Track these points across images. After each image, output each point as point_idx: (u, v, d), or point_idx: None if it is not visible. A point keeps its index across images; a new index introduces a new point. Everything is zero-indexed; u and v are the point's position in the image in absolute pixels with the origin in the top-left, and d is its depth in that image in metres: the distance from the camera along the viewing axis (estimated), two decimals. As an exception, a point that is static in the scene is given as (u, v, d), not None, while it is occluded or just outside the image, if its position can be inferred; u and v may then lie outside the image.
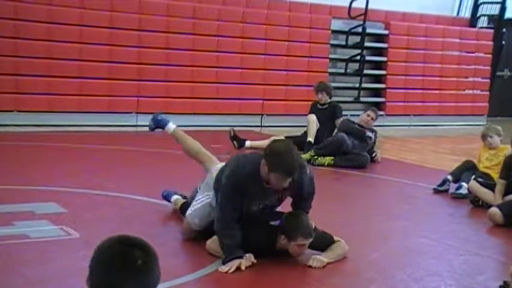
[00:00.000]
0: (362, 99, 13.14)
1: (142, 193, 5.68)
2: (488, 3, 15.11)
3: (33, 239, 4.39)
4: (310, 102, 9.21)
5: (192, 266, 4.11)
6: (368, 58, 13.27)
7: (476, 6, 15.17)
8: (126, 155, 8.09)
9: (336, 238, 4.36)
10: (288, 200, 4.39)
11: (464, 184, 6.45)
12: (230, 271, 3.95)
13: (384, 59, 13.61)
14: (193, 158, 5.01)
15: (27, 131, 9.51)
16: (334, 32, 12.99)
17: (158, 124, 5.21)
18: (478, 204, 6.10)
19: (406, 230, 5.32)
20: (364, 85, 13.16)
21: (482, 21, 15.28)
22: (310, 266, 4.10)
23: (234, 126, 9.20)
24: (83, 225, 4.72)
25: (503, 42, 15.19)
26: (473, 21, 15.16)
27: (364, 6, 12.69)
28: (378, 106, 12.66)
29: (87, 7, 10.51)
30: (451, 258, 4.54)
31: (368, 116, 8.40)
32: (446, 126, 13.83)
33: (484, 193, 6.05)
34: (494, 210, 5.49)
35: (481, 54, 14.81)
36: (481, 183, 6.14)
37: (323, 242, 4.28)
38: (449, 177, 6.76)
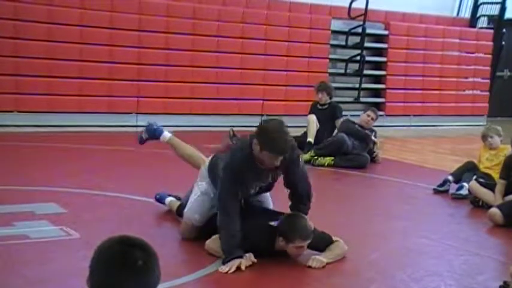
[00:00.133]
0: (362, 99, 13.13)
1: (142, 193, 5.68)
2: (488, 3, 15.10)
3: (33, 239, 4.39)
4: (310, 103, 9.21)
5: (192, 266, 4.11)
6: (368, 58, 13.27)
7: (476, 7, 15.16)
8: (125, 156, 8.09)
9: (334, 238, 4.36)
10: (286, 196, 4.39)
11: (465, 185, 6.45)
12: (230, 271, 3.95)
13: (383, 59, 13.60)
14: (190, 163, 5.06)
15: (27, 131, 9.51)
16: (334, 32, 12.99)
17: (153, 134, 5.24)
18: (478, 205, 6.10)
19: (406, 230, 5.32)
20: (364, 85, 13.16)
21: (482, 22, 15.28)
22: (309, 267, 4.10)
23: (234, 126, 9.15)
24: (82, 226, 4.72)
25: (503, 42, 15.19)
26: (473, 21, 15.15)
27: (364, 6, 12.69)
28: (378, 106, 12.66)
29: (87, 7, 10.51)
30: (451, 259, 4.54)
31: (368, 116, 8.40)
32: (446, 126, 13.83)
33: (484, 193, 6.04)
34: (494, 210, 5.50)
35: (481, 55, 14.80)
36: (481, 184, 6.14)
37: (322, 243, 4.28)
38: (450, 177, 6.76)
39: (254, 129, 4.17)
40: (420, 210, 6.17)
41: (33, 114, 10.00)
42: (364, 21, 12.82)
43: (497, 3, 14.94)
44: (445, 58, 14.13)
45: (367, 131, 8.34)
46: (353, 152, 8.05)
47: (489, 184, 6.08)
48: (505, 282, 3.70)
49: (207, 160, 4.73)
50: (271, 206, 4.68)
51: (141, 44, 10.89)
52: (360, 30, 12.89)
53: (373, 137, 8.41)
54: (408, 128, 13.33)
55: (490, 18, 15.16)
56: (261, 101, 11.70)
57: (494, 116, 14.91)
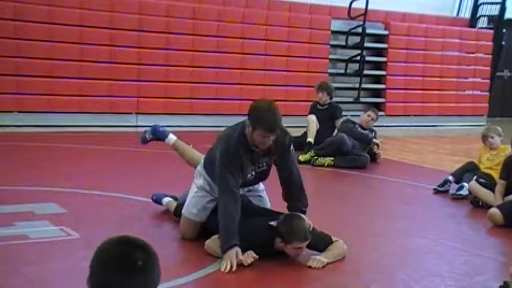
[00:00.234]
0: (362, 99, 13.14)
1: (142, 193, 5.68)
2: (488, 3, 15.11)
3: (33, 239, 4.39)
4: (310, 103, 9.22)
5: (192, 266, 4.11)
6: (368, 58, 13.27)
7: (476, 7, 15.16)
8: (125, 156, 8.10)
9: (334, 238, 4.36)
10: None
11: (465, 185, 6.44)
12: (234, 268, 3.94)
13: (383, 59, 13.61)
14: (193, 166, 5.11)
15: (28, 131, 9.51)
16: (334, 32, 12.99)
17: (158, 135, 5.35)
18: (478, 205, 6.10)
19: (406, 230, 5.32)
20: (364, 85, 13.16)
21: (482, 22, 15.28)
22: (309, 267, 4.11)
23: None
24: (83, 226, 4.72)
25: (503, 42, 15.20)
26: (473, 21, 15.15)
27: (364, 6, 12.69)
28: (378, 106, 12.68)
29: (87, 8, 10.51)
30: (451, 259, 4.54)
31: (369, 116, 8.40)
32: (446, 126, 13.84)
33: (484, 194, 6.04)
34: (494, 210, 5.50)
35: (481, 55, 14.80)
36: (482, 184, 6.14)
37: (322, 243, 4.29)
38: (451, 177, 6.76)
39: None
40: (420, 210, 6.17)
41: (33, 114, 10.01)
42: (364, 21, 12.83)
43: (497, 3, 14.95)
44: (445, 58, 14.13)
45: (367, 131, 8.33)
46: (353, 152, 8.05)
47: (489, 184, 6.08)
48: (505, 283, 3.71)
49: (203, 158, 4.75)
50: (268, 206, 4.69)
51: (141, 44, 10.89)
52: (360, 30, 12.90)
53: (374, 140, 8.43)
54: (408, 128, 13.34)
55: (490, 18, 15.17)
56: (261, 101, 11.68)
57: (494, 116, 14.92)
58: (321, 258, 4.16)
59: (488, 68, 14.82)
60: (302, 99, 11.69)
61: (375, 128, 8.66)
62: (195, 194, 4.58)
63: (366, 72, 13.18)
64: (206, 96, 11.31)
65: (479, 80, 14.82)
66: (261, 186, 4.75)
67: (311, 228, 4.24)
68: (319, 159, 8.03)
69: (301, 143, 8.46)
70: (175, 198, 5.20)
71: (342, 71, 13.03)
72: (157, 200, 5.30)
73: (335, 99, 9.21)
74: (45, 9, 10.18)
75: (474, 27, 15.06)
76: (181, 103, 11.09)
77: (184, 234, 4.60)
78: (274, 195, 4.69)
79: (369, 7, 12.72)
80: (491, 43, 14.80)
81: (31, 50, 10.04)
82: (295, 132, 9.05)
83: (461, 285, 4.00)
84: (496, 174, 6.18)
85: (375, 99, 13.56)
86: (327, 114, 8.80)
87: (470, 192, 6.32)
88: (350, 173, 7.71)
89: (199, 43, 11.32)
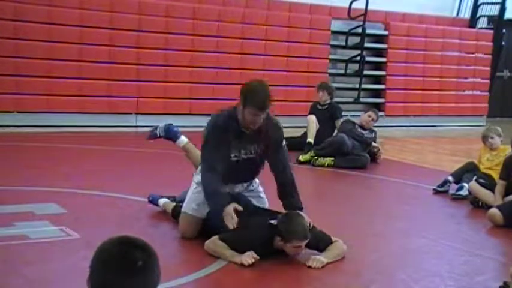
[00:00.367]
0: (362, 99, 13.14)
1: (142, 194, 5.67)
2: (488, 3, 15.11)
3: (33, 239, 4.39)
4: (310, 103, 9.22)
5: (192, 266, 4.11)
6: (368, 59, 13.27)
7: (476, 7, 15.16)
8: (125, 156, 8.10)
9: (333, 238, 4.36)
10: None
11: (465, 185, 6.44)
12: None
13: (383, 59, 13.61)
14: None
15: (27, 131, 9.51)
16: (334, 32, 12.99)
17: (171, 135, 5.32)
18: (478, 205, 6.09)
19: (406, 231, 5.32)
20: (364, 86, 13.16)
21: (482, 22, 15.28)
22: (309, 267, 4.10)
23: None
24: (82, 226, 4.72)
25: (503, 42, 15.20)
26: (473, 21, 15.15)
27: (364, 6, 12.69)
28: (378, 107, 12.68)
29: (86, 8, 10.51)
30: (451, 259, 4.54)
31: (369, 116, 8.40)
32: (446, 126, 13.84)
33: (484, 194, 6.04)
34: (494, 211, 5.49)
35: (481, 55, 14.81)
36: (481, 184, 6.13)
37: (322, 242, 4.29)
38: (450, 178, 6.75)
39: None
40: (420, 210, 6.17)
41: (33, 114, 10.01)
42: (364, 22, 12.82)
43: (497, 3, 14.94)
44: (445, 58, 14.13)
45: (367, 131, 8.33)
46: (353, 153, 8.05)
47: (489, 185, 6.08)
48: (505, 283, 3.70)
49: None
50: (267, 207, 4.69)
51: (140, 44, 10.89)
52: (359, 30, 12.90)
53: (374, 144, 8.43)
54: (408, 128, 13.34)
55: (490, 18, 15.17)
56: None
57: (494, 116, 14.92)
58: (321, 258, 4.16)
59: (488, 68, 14.82)
60: (302, 99, 11.69)
61: (375, 129, 8.65)
62: (194, 190, 4.60)
63: (365, 72, 13.17)
64: (206, 97, 11.30)
65: (479, 80, 14.82)
66: (260, 187, 4.75)
67: (311, 226, 4.23)
68: (319, 159, 8.02)
69: (301, 143, 8.47)
70: (173, 199, 5.19)
71: (342, 71, 13.02)
72: (154, 201, 5.28)
73: (335, 99, 9.21)
74: (45, 10, 10.17)
75: (474, 27, 15.06)
76: (180, 103, 11.08)
77: (184, 232, 4.59)
78: (274, 194, 4.68)
79: (369, 7, 12.71)
80: (491, 43, 14.80)
81: (30, 50, 10.04)
82: (295, 132, 9.09)
83: (461, 285, 4.00)
84: (496, 175, 6.18)
85: (375, 99, 13.55)
86: (327, 115, 8.81)
87: (470, 193, 6.32)
88: (350, 173, 7.71)
89: (198, 43, 11.32)
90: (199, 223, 4.55)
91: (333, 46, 12.98)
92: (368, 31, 13.10)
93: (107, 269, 1.91)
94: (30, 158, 7.62)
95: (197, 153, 5.16)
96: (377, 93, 13.72)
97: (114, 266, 1.91)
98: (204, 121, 12.50)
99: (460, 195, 6.43)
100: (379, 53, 13.71)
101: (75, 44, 10.37)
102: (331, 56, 12.91)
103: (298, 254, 4.19)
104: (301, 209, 4.40)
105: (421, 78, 13.78)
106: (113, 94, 10.64)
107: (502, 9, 14.90)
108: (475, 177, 6.35)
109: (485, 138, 6.71)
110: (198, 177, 4.61)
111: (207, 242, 4.27)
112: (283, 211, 4.38)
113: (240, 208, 4.22)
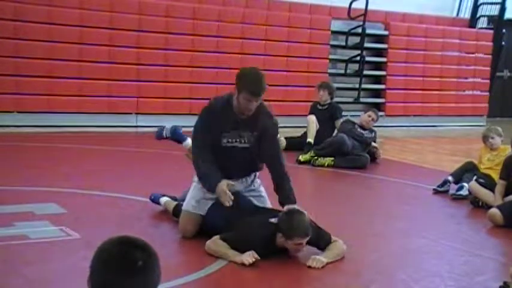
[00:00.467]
0: (362, 99, 13.14)
1: (142, 194, 5.68)
2: (488, 3, 15.11)
3: (33, 239, 4.39)
4: (310, 103, 9.22)
5: (192, 266, 4.11)
6: (368, 59, 13.27)
7: (476, 7, 15.17)
8: (125, 156, 8.10)
9: (333, 238, 4.36)
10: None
11: (465, 185, 6.44)
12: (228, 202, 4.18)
13: (383, 59, 13.61)
14: None
15: (27, 131, 9.51)
16: (334, 32, 12.99)
17: (177, 137, 5.45)
18: (478, 205, 6.09)
19: (406, 231, 5.32)
20: (364, 86, 13.16)
21: (482, 22, 15.28)
22: (309, 267, 4.10)
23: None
24: (83, 226, 4.72)
25: (503, 42, 15.20)
26: (473, 21, 15.15)
27: (364, 6, 12.69)
28: (378, 107, 12.68)
29: (86, 8, 10.51)
30: (451, 259, 4.54)
31: (369, 116, 8.40)
32: (446, 126, 13.83)
33: (484, 194, 6.04)
34: (494, 211, 5.49)
35: (481, 55, 14.81)
36: (481, 184, 6.13)
37: (322, 241, 4.29)
38: (450, 178, 6.76)
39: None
40: (420, 210, 6.17)
41: (33, 114, 10.01)
42: (364, 22, 12.82)
43: (497, 3, 14.95)
44: (445, 58, 14.13)
45: (367, 131, 8.33)
46: (353, 153, 8.05)
47: (489, 184, 6.08)
48: (505, 283, 3.70)
49: None
50: (269, 206, 4.70)
51: (140, 44, 10.89)
52: (359, 30, 12.90)
53: (373, 144, 8.43)
54: (408, 128, 13.34)
55: (490, 18, 15.17)
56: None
57: (494, 116, 14.92)
58: (321, 258, 4.16)
59: (488, 68, 14.82)
60: (302, 99, 11.69)
61: (375, 129, 8.65)
62: (193, 187, 4.62)
63: (365, 72, 13.17)
64: (205, 97, 11.16)
65: (479, 80, 14.82)
66: (261, 187, 4.76)
67: (312, 224, 4.22)
68: (319, 159, 8.02)
69: (301, 143, 8.47)
70: (174, 199, 5.20)
71: (342, 71, 13.02)
72: (155, 200, 5.29)
73: (335, 99, 9.22)
74: (45, 10, 10.17)
75: (474, 27, 15.06)
76: (180, 103, 11.08)
77: (184, 230, 4.59)
78: (274, 194, 4.68)
79: (369, 7, 12.71)
80: (491, 43, 14.80)
81: (30, 50, 10.04)
82: (295, 132, 9.09)
83: (461, 285, 4.00)
84: (496, 175, 6.18)
85: (375, 99, 13.55)
86: (327, 115, 8.81)
87: (470, 193, 6.32)
88: (350, 173, 7.71)
89: (198, 43, 11.32)
90: (199, 220, 4.55)
91: (333, 46, 12.98)
92: (368, 31, 13.10)
93: (107, 269, 1.91)
94: (30, 158, 7.62)
95: None
96: (377, 93, 13.72)
97: (114, 266, 1.91)
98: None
99: (460, 195, 6.43)
100: (379, 53, 13.71)
101: (75, 44, 10.37)
102: (331, 56, 12.91)
103: (300, 251, 4.20)
104: (293, 201, 4.40)
105: (421, 78, 13.78)
106: (113, 94, 10.64)
107: (502, 9, 14.90)
108: (475, 177, 6.35)
109: (485, 138, 6.71)
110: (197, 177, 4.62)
111: (207, 242, 4.27)
112: (284, 210, 4.37)
113: (233, 183, 4.35)
